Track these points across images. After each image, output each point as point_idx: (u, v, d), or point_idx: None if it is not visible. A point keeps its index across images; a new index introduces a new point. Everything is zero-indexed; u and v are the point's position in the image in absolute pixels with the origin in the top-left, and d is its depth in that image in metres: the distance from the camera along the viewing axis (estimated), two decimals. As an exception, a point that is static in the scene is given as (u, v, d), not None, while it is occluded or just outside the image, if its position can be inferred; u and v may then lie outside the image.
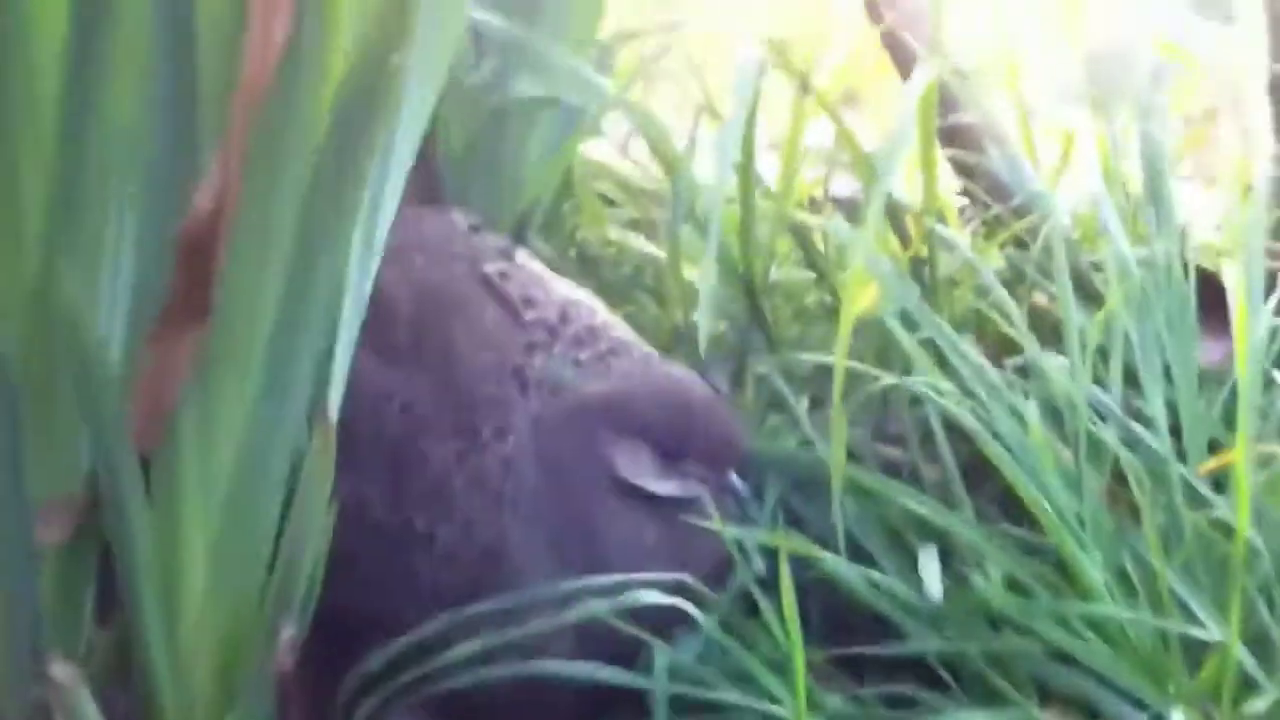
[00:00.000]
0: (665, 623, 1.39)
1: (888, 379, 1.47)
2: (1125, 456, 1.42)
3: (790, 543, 1.34)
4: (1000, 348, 1.64)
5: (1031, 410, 1.45)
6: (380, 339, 1.48)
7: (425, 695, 1.40)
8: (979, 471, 1.56)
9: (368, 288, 1.20)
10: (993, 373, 1.50)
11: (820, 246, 1.75)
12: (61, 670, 1.06)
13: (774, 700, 1.25)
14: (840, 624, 1.45)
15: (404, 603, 1.40)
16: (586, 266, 1.73)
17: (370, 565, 1.42)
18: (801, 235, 1.73)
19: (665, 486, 1.41)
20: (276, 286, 1.07)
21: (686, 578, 1.33)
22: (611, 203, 1.98)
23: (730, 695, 1.28)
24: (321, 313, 1.12)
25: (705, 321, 1.49)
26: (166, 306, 1.03)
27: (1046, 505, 1.35)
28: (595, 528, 1.40)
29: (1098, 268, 1.71)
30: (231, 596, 1.16)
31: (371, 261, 1.17)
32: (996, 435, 1.40)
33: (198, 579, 1.16)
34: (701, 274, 1.49)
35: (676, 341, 1.73)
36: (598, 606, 1.29)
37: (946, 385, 1.43)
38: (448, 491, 1.41)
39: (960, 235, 1.71)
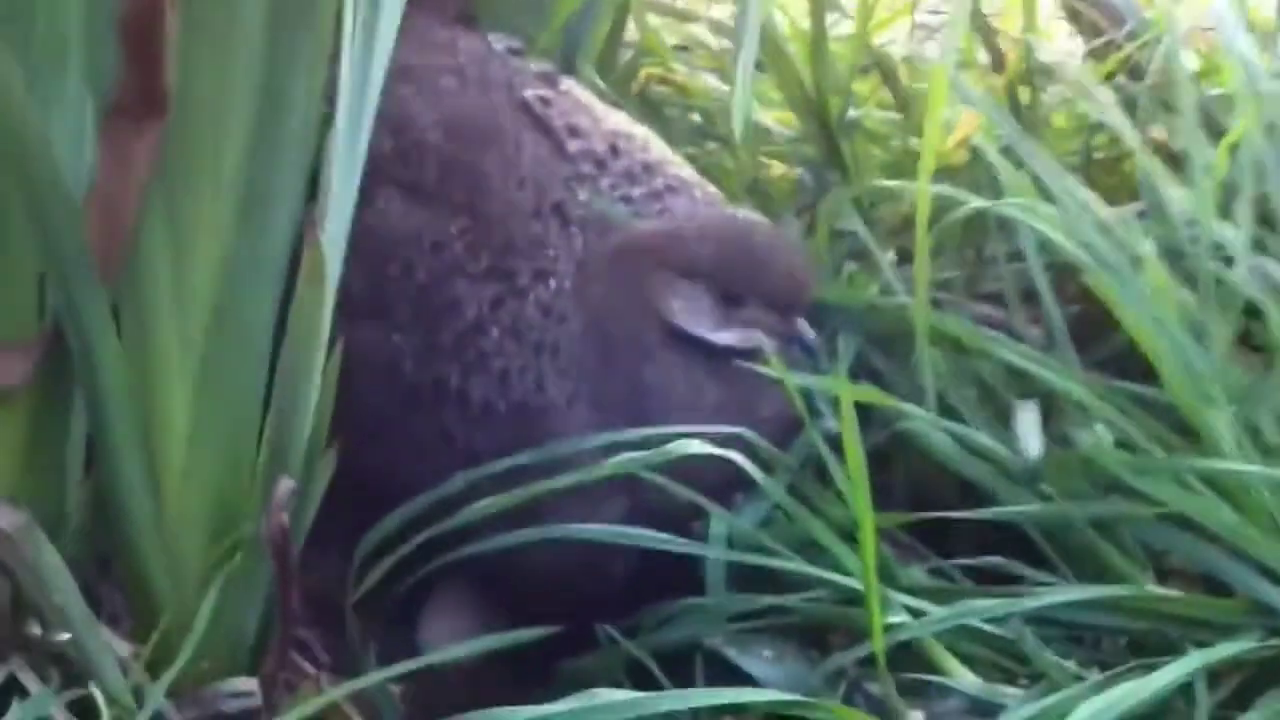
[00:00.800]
0: (725, 488, 1.21)
1: (979, 202, 1.27)
2: (1257, 300, 1.22)
3: (865, 393, 1.15)
4: (1113, 187, 1.43)
5: (1149, 250, 1.25)
6: (406, 173, 1.30)
7: (453, 564, 1.25)
8: (1086, 330, 1.36)
9: (373, 95, 1.02)
10: (1104, 210, 1.30)
11: (905, 81, 1.55)
12: (9, 517, 0.91)
13: (844, 571, 1.08)
14: (925, 491, 1.27)
15: (436, 467, 1.24)
16: (648, 109, 1.53)
17: (399, 426, 1.25)
18: (884, 67, 1.53)
19: (725, 336, 1.22)
20: (247, 79, 0.89)
21: (747, 433, 1.15)
22: (682, 48, 1.78)
23: (795, 565, 1.10)
24: (305, 115, 0.94)
25: (742, 97, 1.28)
26: (116, 96, 0.86)
27: (1166, 355, 1.15)
28: (645, 382, 1.22)
29: (1219, 103, 1.49)
30: (219, 446, 1.00)
31: (374, 63, 0.99)
32: (1108, 275, 1.19)
33: (180, 426, 0.99)
34: (742, 51, 1.28)
35: (748, 194, 1.53)
36: (645, 459, 1.11)
37: (1048, 209, 1.23)
38: (482, 342, 1.24)
39: (1065, 62, 1.50)
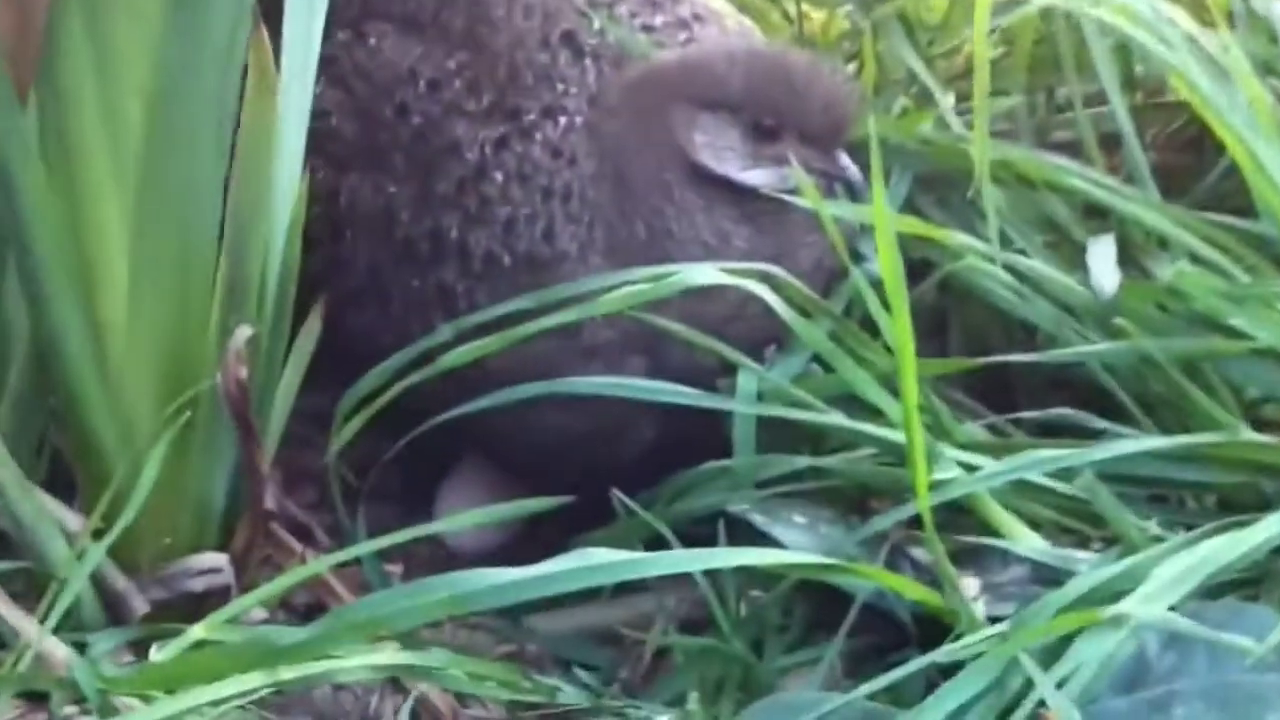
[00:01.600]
0: (755, 343, 1.06)
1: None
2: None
3: (910, 224, 0.99)
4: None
5: (1244, 64, 1.07)
6: (394, 8, 1.15)
7: (467, 438, 1.11)
8: (1170, 178, 1.19)
9: None
10: (1190, 23, 1.13)
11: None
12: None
13: (889, 424, 0.92)
14: (984, 343, 1.11)
15: (433, 328, 1.10)
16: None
17: (394, 283, 1.11)
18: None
19: (756, 174, 1.06)
20: None
21: (779, 273, 0.99)
22: None
23: (833, 420, 0.94)
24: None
25: None
26: None
27: (1265, 174, 0.98)
28: (666, 228, 1.07)
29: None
30: (165, 288, 0.85)
31: None
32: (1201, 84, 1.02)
33: (118, 265, 0.85)
34: None
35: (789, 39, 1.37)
36: (657, 290, 0.95)
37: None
38: (484, 188, 1.09)
39: None
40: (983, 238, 1.05)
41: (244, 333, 0.86)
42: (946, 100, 1.22)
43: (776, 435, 0.99)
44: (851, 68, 1.31)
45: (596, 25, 1.11)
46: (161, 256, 0.86)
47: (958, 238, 1.00)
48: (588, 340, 1.06)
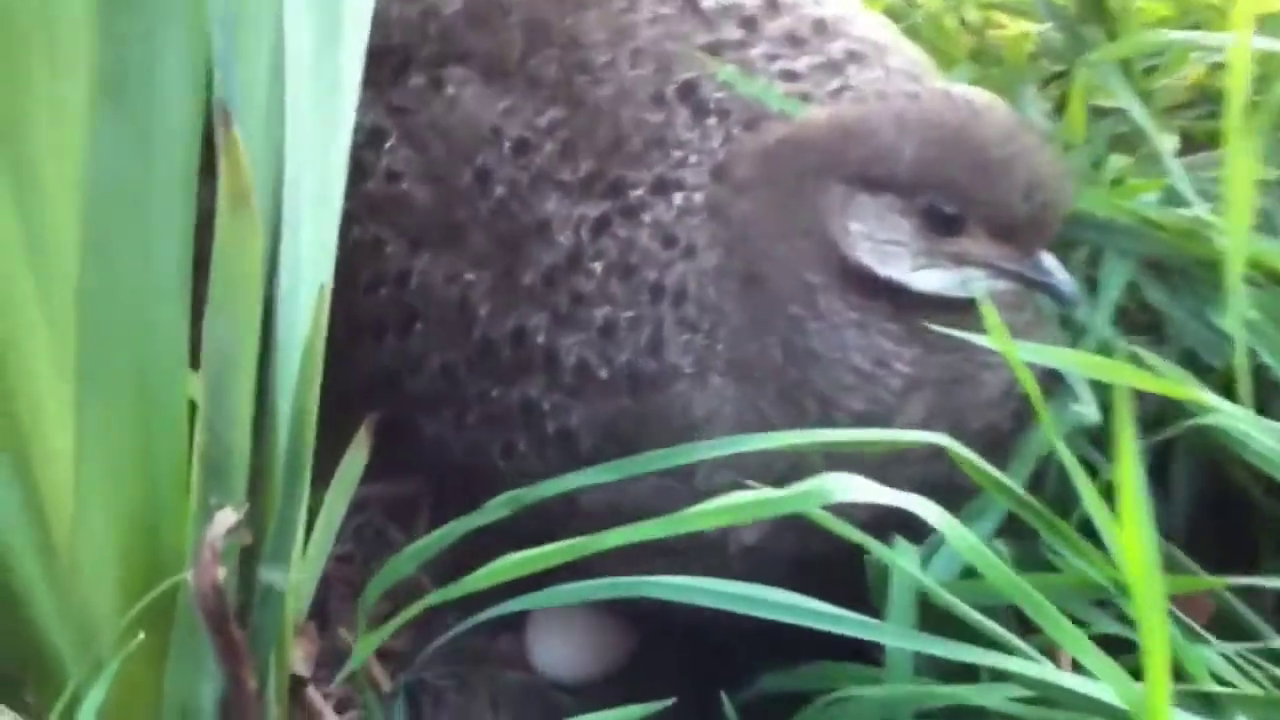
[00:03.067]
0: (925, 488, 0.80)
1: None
2: None
3: (1142, 377, 0.70)
4: None
5: None
6: (478, 46, 0.90)
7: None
8: None
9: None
10: None
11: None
12: None
13: (1090, 674, 0.64)
14: (1221, 502, 0.83)
15: (514, 450, 0.86)
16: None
17: (470, 393, 0.88)
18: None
19: (930, 278, 0.79)
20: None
21: (947, 441, 0.72)
22: None
23: (1007, 663, 0.67)
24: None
25: None
26: None
27: None
28: (807, 346, 0.80)
29: None
30: (121, 456, 0.62)
31: None
32: None
33: (59, 430, 0.62)
34: None
35: (971, 61, 1.08)
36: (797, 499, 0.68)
37: None
38: (577, 281, 0.84)
39: None
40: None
41: (225, 519, 0.62)
42: (1169, 149, 0.92)
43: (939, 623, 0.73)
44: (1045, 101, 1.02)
45: (723, 74, 0.84)
46: (114, 420, 0.62)
47: (1207, 399, 0.71)
48: (703, 482, 0.80)
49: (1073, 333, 0.84)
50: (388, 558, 1.05)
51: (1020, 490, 0.68)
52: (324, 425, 0.73)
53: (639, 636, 1.00)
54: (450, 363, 0.87)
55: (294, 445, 0.66)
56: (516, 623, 1.01)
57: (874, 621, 0.67)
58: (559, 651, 1.01)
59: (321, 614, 1.00)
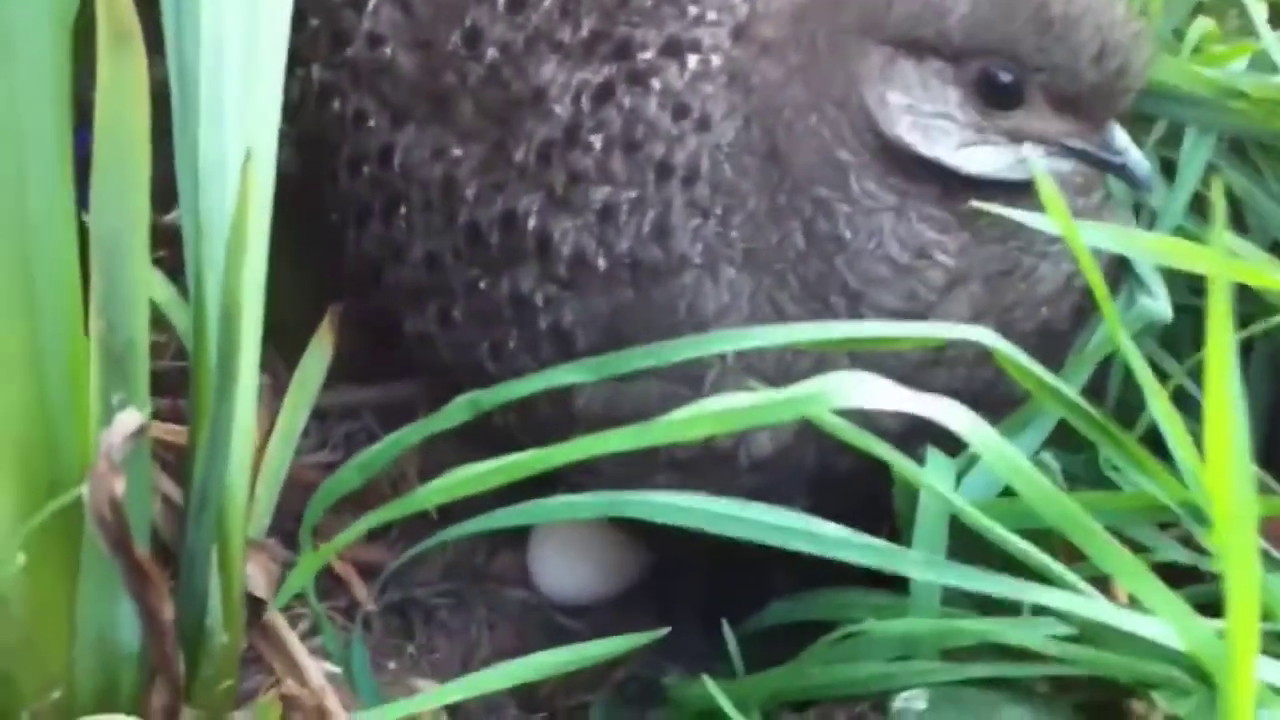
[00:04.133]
0: (965, 396, 0.68)
1: None
2: None
3: (1230, 265, 0.57)
4: None
5: None
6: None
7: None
8: None
9: None
10: None
11: None
12: None
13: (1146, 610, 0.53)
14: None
15: (502, 347, 0.74)
16: None
17: (456, 285, 0.76)
18: None
19: (981, 157, 0.66)
20: None
21: (991, 339, 0.60)
22: None
23: (1068, 597, 0.54)
24: None
25: None
26: None
27: None
28: (835, 234, 0.68)
29: None
30: (14, 356, 0.52)
31: None
32: None
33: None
34: None
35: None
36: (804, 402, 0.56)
37: None
38: (575, 158, 0.72)
39: None
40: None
41: (126, 422, 0.51)
42: (1261, 15, 0.78)
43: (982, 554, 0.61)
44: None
45: (749, -82, 0.71)
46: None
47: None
48: (712, 388, 0.69)
49: (1144, 221, 0.71)
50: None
51: (1074, 395, 0.56)
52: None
53: (647, 557, 0.89)
54: (435, 250, 0.76)
55: (226, 335, 0.55)
56: (518, 541, 0.90)
57: (897, 549, 0.55)
58: (562, 571, 0.90)
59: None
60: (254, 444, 0.62)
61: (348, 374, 0.87)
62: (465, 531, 0.60)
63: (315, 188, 0.84)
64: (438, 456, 0.95)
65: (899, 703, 0.56)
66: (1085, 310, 0.70)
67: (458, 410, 0.57)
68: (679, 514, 0.57)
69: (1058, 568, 0.53)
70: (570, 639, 0.88)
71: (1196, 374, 0.63)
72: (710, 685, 0.60)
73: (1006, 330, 0.66)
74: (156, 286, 0.65)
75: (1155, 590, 0.49)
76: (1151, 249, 0.56)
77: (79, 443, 0.53)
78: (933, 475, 0.57)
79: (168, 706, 0.58)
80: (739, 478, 0.70)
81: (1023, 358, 0.56)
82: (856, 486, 0.66)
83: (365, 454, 0.61)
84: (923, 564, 0.55)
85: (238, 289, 0.54)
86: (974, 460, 0.61)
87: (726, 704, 0.58)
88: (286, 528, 0.78)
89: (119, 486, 0.50)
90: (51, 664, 0.58)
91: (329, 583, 0.88)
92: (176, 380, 0.79)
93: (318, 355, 0.69)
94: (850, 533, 0.55)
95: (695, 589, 0.88)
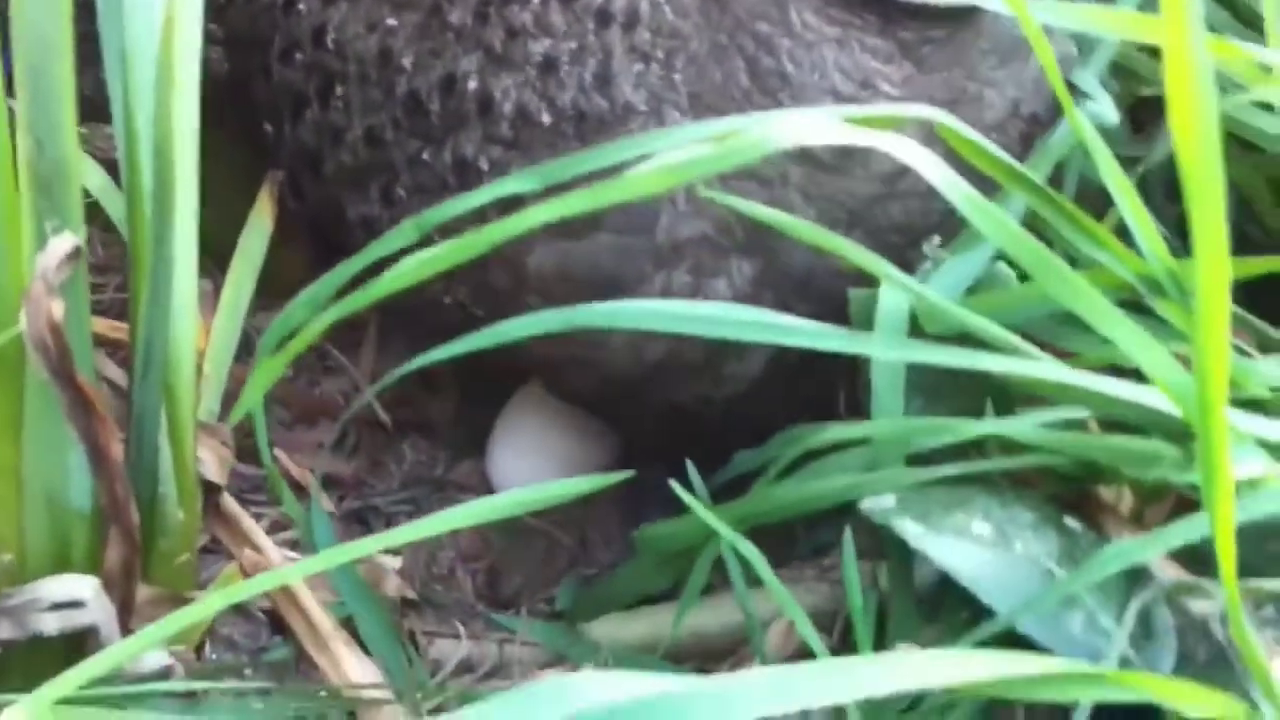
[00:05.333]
0: (914, 233, 0.67)
1: None
2: None
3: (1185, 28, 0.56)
4: None
5: None
6: None
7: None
8: None
9: None
10: None
11: None
12: None
13: (1130, 371, 0.51)
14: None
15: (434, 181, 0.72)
16: None
17: (398, 160, 0.74)
18: None
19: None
20: None
21: (941, 115, 0.58)
22: None
23: (1030, 365, 0.53)
24: None
25: None
26: None
27: None
28: (779, 69, 0.66)
29: None
30: None
31: None
32: None
33: None
34: None
35: None
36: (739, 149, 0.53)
37: None
38: (511, 12, 0.70)
39: None
40: None
41: (60, 245, 0.49)
42: None
43: (939, 382, 0.60)
44: None
45: None
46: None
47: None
48: (667, 236, 0.68)
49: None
50: (330, 382, 0.93)
51: (1040, 181, 0.55)
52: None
53: (609, 451, 0.87)
54: (375, 126, 0.74)
55: (160, 173, 0.53)
56: (476, 451, 0.88)
57: (857, 333, 0.53)
58: (523, 472, 0.88)
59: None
60: (196, 309, 0.60)
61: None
62: (443, 355, 0.57)
63: (245, 88, 0.82)
64: (393, 364, 0.93)
65: (866, 504, 0.54)
66: (1032, 138, 0.69)
67: (402, 234, 0.55)
68: (636, 318, 0.55)
69: (1038, 352, 0.52)
70: (537, 538, 0.87)
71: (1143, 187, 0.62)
72: (691, 501, 0.57)
73: (959, 159, 0.65)
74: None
75: (1154, 354, 0.47)
76: (1109, 23, 0.55)
77: (13, 275, 0.50)
78: (889, 278, 0.55)
79: (124, 561, 0.55)
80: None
81: (988, 144, 0.54)
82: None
83: (311, 289, 0.59)
84: (885, 343, 0.53)
85: (169, 126, 0.51)
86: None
87: (710, 516, 0.55)
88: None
89: (57, 310, 0.48)
90: (1, 526, 0.56)
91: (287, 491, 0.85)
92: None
93: (258, 226, 0.67)
94: (814, 323, 0.53)
95: (660, 477, 0.87)
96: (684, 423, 0.75)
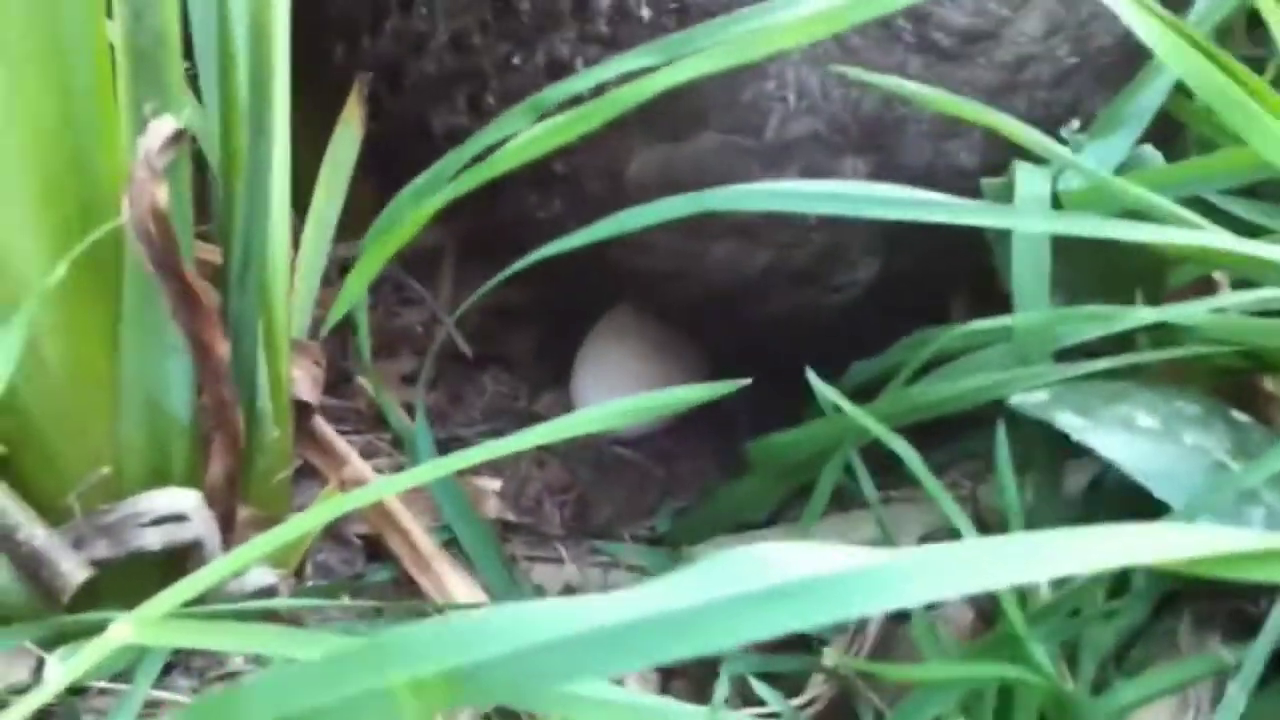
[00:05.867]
0: (1051, 120, 0.63)
1: None
2: None
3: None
4: None
5: None
6: None
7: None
8: None
9: None
10: None
11: None
12: None
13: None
14: None
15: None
16: None
17: (487, 66, 0.71)
18: None
19: None
20: None
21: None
22: None
23: (1193, 233, 0.49)
24: None
25: None
26: None
27: None
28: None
29: None
30: (31, 68, 0.46)
31: None
32: None
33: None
34: None
35: None
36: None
37: None
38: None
39: None
40: None
41: (163, 127, 0.45)
42: None
43: (1079, 276, 0.56)
44: None
45: None
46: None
47: None
48: (776, 135, 0.64)
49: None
50: (409, 314, 0.90)
51: (1202, 38, 0.50)
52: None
53: (701, 377, 0.83)
54: (461, 31, 0.70)
55: (256, 59, 0.49)
56: (559, 382, 0.85)
57: (1001, 206, 0.49)
58: (610, 400, 0.84)
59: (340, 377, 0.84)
60: (289, 219, 0.57)
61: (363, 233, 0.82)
62: (537, 257, 0.54)
63: (316, 5, 0.78)
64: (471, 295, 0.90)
65: (1017, 399, 0.50)
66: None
67: (520, 116, 0.52)
68: (775, 200, 0.51)
69: (1209, 224, 0.48)
70: (626, 470, 0.83)
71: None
72: (827, 394, 0.53)
73: (1083, 48, 0.62)
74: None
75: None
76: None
77: (109, 164, 0.47)
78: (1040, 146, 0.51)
79: (228, 473, 0.52)
80: (808, 235, 0.65)
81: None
82: (931, 240, 0.61)
83: (422, 179, 0.55)
84: (1030, 218, 0.48)
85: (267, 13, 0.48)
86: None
87: (859, 412, 0.51)
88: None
89: (161, 195, 0.44)
90: (96, 437, 0.52)
91: (368, 424, 0.82)
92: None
93: (347, 135, 0.63)
94: (951, 197, 0.49)
95: (751, 408, 0.83)
96: (784, 341, 0.71)
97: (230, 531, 0.54)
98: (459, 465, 0.53)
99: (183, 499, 0.51)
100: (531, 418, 0.87)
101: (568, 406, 0.85)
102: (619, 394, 0.84)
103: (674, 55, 0.49)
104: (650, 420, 0.84)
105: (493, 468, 0.84)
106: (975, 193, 0.60)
